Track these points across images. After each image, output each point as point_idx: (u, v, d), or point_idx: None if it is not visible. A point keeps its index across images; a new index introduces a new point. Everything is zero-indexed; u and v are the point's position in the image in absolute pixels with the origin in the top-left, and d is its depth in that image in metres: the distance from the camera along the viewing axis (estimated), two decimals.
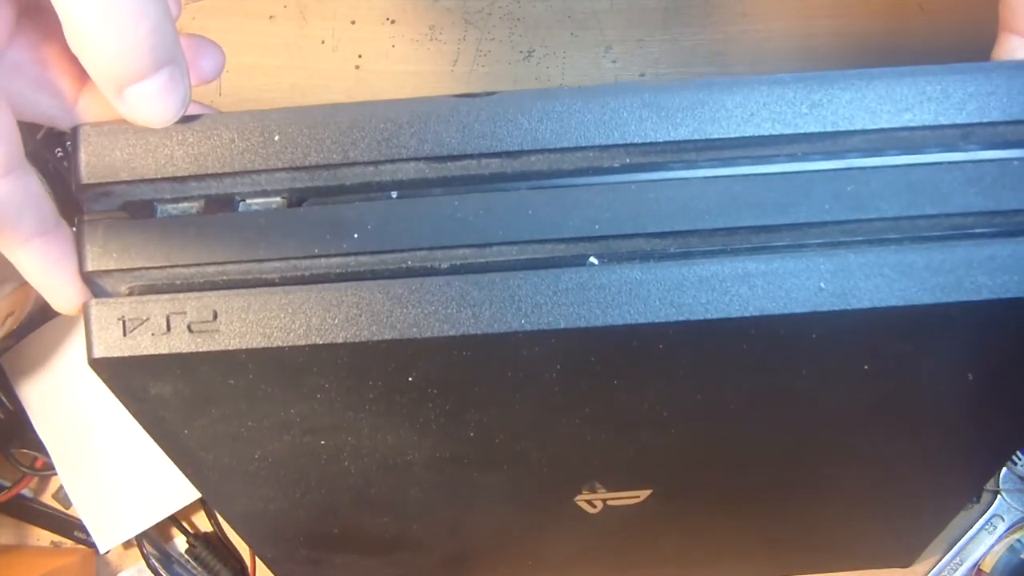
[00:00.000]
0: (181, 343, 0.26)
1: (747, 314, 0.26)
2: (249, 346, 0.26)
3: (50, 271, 0.26)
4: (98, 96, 0.27)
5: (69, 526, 0.51)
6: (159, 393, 0.28)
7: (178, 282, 0.26)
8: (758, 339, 0.27)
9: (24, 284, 0.43)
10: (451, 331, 0.26)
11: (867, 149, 0.26)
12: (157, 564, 0.50)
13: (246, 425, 0.30)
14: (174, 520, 0.50)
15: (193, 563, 0.50)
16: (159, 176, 0.26)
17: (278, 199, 0.27)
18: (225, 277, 0.26)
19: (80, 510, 0.49)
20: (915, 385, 0.31)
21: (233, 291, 0.26)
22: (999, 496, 0.49)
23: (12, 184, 0.25)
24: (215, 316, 0.26)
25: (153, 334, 0.26)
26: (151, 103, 0.24)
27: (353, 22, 0.51)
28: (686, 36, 0.50)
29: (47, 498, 0.52)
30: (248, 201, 0.27)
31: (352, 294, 0.26)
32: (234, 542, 0.51)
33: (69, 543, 0.51)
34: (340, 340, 0.26)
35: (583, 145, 0.26)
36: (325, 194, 0.26)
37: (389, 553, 0.41)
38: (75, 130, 0.26)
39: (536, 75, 0.50)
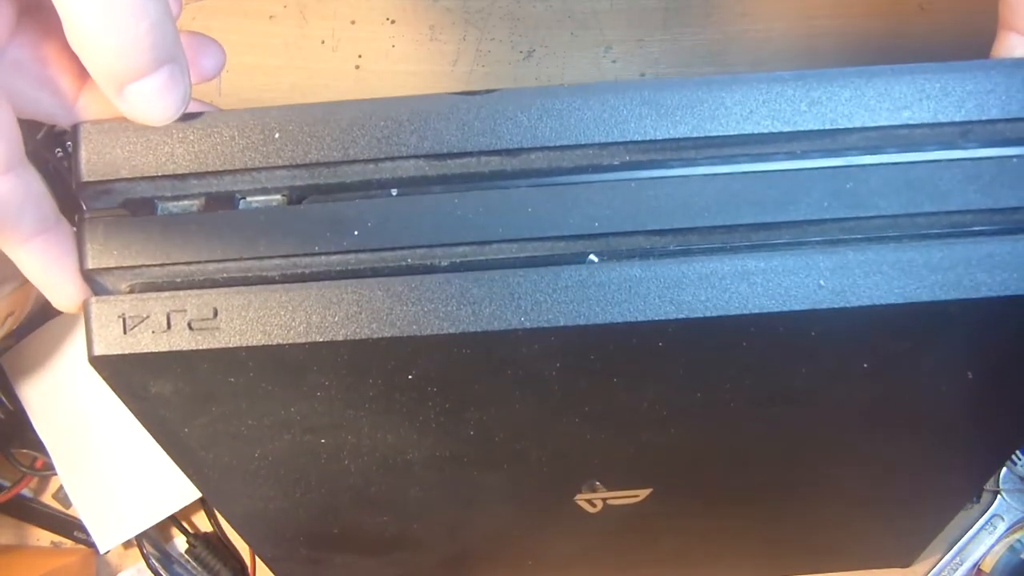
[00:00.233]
0: (181, 341, 0.26)
1: (747, 312, 0.26)
2: (249, 344, 0.26)
3: (51, 269, 0.26)
4: (98, 94, 0.27)
5: (69, 526, 0.51)
6: (159, 391, 0.28)
7: (178, 280, 0.27)
8: (758, 337, 0.27)
9: (24, 284, 0.43)
10: (451, 329, 0.26)
11: (866, 147, 0.26)
12: (157, 564, 0.50)
13: (246, 424, 0.30)
14: (174, 520, 0.50)
15: (193, 563, 0.50)
16: (160, 174, 0.26)
17: (278, 197, 0.27)
18: (225, 275, 0.26)
19: (80, 510, 0.49)
20: (914, 384, 0.31)
21: (233, 289, 0.26)
22: (999, 496, 0.49)
23: (12, 182, 0.25)
24: (215, 314, 0.26)
25: (153, 332, 0.26)
26: (151, 101, 0.24)
27: (353, 22, 0.51)
28: (686, 36, 0.50)
29: (47, 498, 0.52)
30: (248, 199, 0.27)
31: (352, 292, 0.26)
32: (234, 542, 0.51)
33: (69, 543, 0.51)
34: (340, 338, 0.26)
35: (583, 143, 0.26)
36: (325, 192, 0.26)
37: (389, 553, 0.41)
38: (75, 128, 0.26)
39: (536, 75, 0.50)
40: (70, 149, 0.27)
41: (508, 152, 0.26)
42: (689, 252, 0.26)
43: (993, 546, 0.49)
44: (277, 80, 0.50)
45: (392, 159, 0.26)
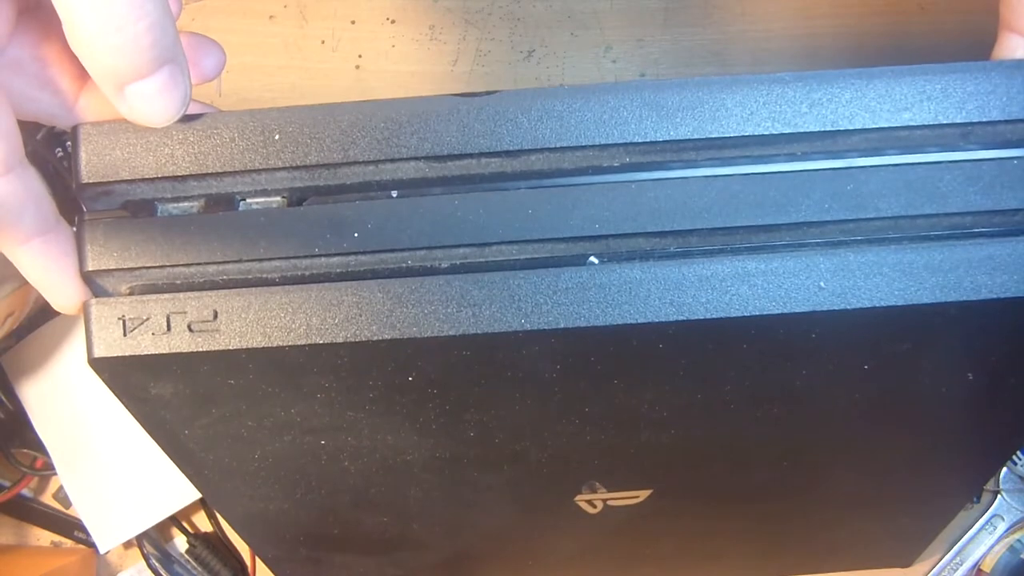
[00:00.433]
0: (181, 343, 0.26)
1: (747, 313, 0.26)
2: (249, 346, 0.26)
3: (50, 270, 0.26)
4: (98, 95, 0.27)
5: (69, 526, 0.51)
6: (159, 393, 0.28)
7: (178, 281, 0.26)
8: (758, 338, 0.27)
9: (24, 284, 0.43)
10: (451, 331, 0.26)
11: (867, 148, 0.26)
12: (157, 564, 0.50)
13: (246, 425, 0.30)
14: (174, 520, 0.50)
15: (193, 563, 0.50)
16: (159, 175, 0.26)
17: (278, 198, 0.27)
18: (225, 276, 0.26)
19: (80, 510, 0.49)
20: (915, 385, 0.31)
21: (233, 290, 0.26)
22: (999, 496, 0.49)
23: (12, 183, 0.25)
24: (215, 315, 0.26)
25: (153, 334, 0.26)
26: (151, 102, 0.24)
27: (353, 22, 0.51)
28: (686, 36, 0.50)
29: (47, 498, 0.52)
30: (248, 200, 0.27)
31: (352, 293, 0.26)
32: (234, 542, 0.51)
33: (69, 543, 0.51)
34: (340, 340, 0.26)
35: (583, 144, 0.26)
36: (325, 193, 0.26)
37: (389, 553, 0.41)
38: (75, 129, 0.26)
39: (536, 75, 0.50)
40: (70, 149, 0.26)
41: (508, 154, 0.26)
42: (689, 254, 0.26)
43: (993, 546, 0.49)
44: (277, 80, 0.50)
45: (392, 161, 0.26)
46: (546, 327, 0.26)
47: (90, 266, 0.26)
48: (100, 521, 0.48)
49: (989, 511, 0.49)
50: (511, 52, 0.50)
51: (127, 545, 0.51)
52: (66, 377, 0.48)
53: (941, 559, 0.49)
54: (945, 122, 0.26)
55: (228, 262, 0.26)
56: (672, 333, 0.26)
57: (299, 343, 0.26)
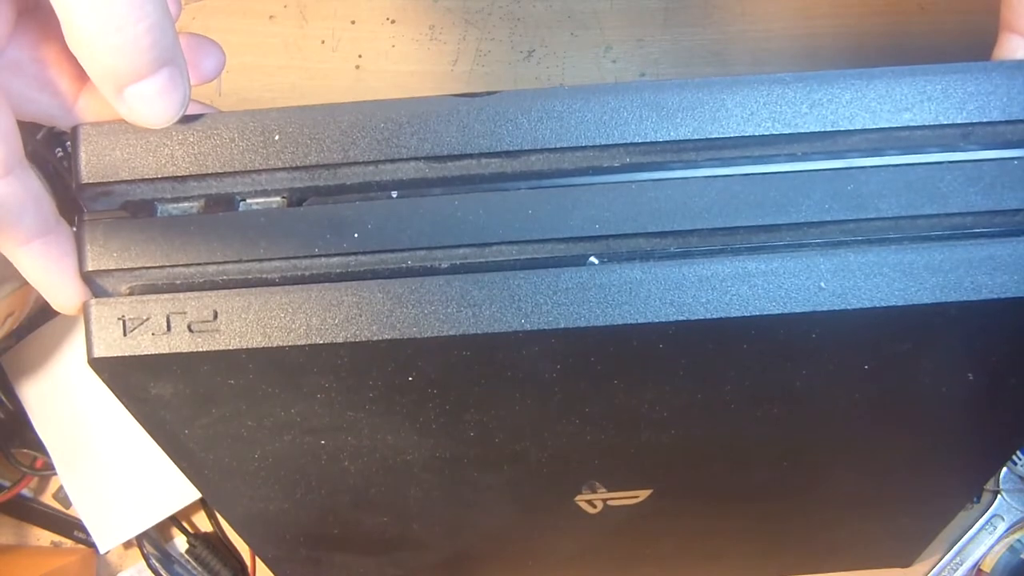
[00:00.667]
0: (181, 343, 0.26)
1: (747, 314, 0.26)
2: (249, 346, 0.26)
3: (50, 271, 0.26)
4: (98, 96, 0.27)
5: (69, 526, 0.51)
6: (159, 393, 0.28)
7: (178, 282, 0.26)
8: (758, 339, 0.27)
9: (24, 284, 0.43)
10: (451, 331, 0.26)
11: (867, 149, 0.26)
12: (157, 564, 0.50)
13: (246, 425, 0.30)
14: (174, 520, 0.50)
15: (193, 563, 0.50)
16: (159, 175, 0.26)
17: (278, 199, 0.27)
18: (225, 277, 0.26)
19: (80, 510, 0.49)
20: (915, 385, 0.31)
21: (233, 291, 0.26)
22: (999, 496, 0.49)
23: (12, 184, 0.25)
24: (215, 316, 0.26)
25: (153, 334, 0.26)
26: (150, 103, 0.24)
27: (353, 22, 0.51)
28: (686, 36, 0.50)
29: (47, 498, 0.52)
30: (248, 200, 0.27)
31: (352, 294, 0.26)
32: (234, 542, 0.51)
33: (69, 543, 0.51)
34: (340, 340, 0.26)
35: (583, 145, 0.26)
36: (325, 193, 0.26)
37: (389, 553, 0.41)
38: (75, 130, 0.26)
39: (536, 75, 0.50)
40: (70, 150, 0.26)
41: (508, 154, 0.26)
42: (689, 254, 0.26)
43: (993, 546, 0.49)
44: (277, 80, 0.50)
45: (392, 161, 0.26)
46: (546, 327, 0.26)
47: (90, 266, 0.26)
48: (100, 521, 0.48)
49: (989, 511, 0.49)
50: (511, 52, 0.50)
51: (127, 545, 0.51)
52: (66, 377, 0.48)
53: (941, 559, 0.49)
54: (945, 122, 0.26)
55: (228, 262, 0.26)
56: (672, 333, 0.26)
57: (299, 343, 0.26)
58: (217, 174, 0.26)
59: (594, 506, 0.37)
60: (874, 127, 0.26)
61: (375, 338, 0.26)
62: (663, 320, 0.26)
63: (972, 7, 0.49)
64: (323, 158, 0.26)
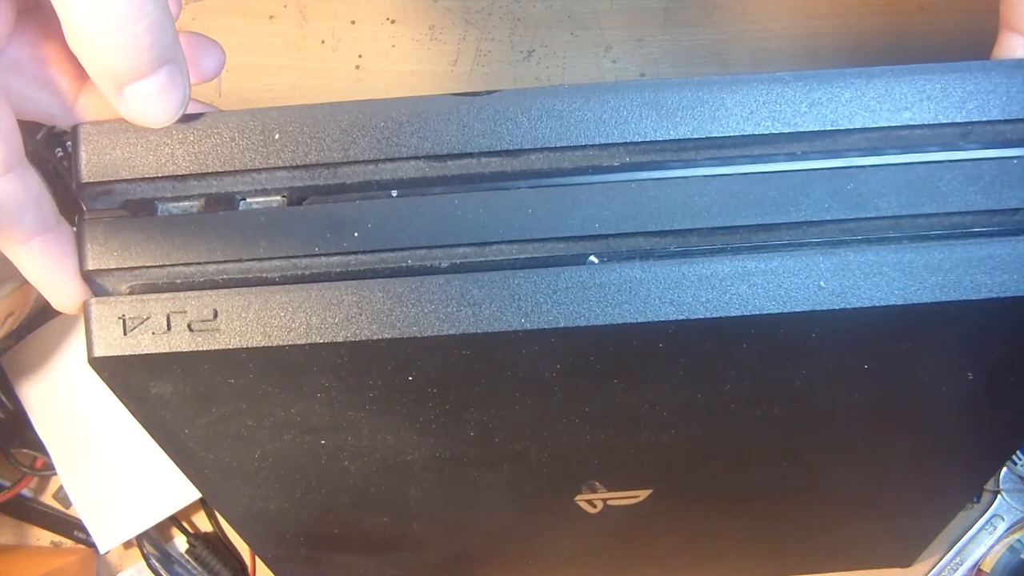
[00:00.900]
0: (181, 342, 0.26)
1: (747, 313, 0.26)
2: (249, 345, 0.26)
3: (50, 270, 0.26)
4: (98, 95, 0.27)
5: (69, 526, 0.51)
6: (159, 392, 0.28)
7: (178, 281, 0.26)
8: (758, 338, 0.27)
9: (24, 284, 0.43)
10: (451, 330, 0.26)
11: (867, 148, 0.26)
12: (157, 564, 0.50)
13: (246, 425, 0.30)
14: (174, 520, 0.50)
15: (193, 563, 0.50)
16: (160, 174, 0.26)
17: (278, 198, 0.27)
18: (225, 276, 0.26)
19: (80, 510, 0.49)
20: (915, 384, 0.31)
21: (233, 290, 0.26)
22: (999, 496, 0.49)
23: (12, 183, 0.25)
24: (215, 315, 0.26)
25: (153, 333, 0.26)
26: (150, 102, 0.24)
27: (353, 22, 0.51)
28: (686, 36, 0.50)
29: (47, 498, 0.52)
30: (248, 200, 0.27)
31: (352, 293, 0.26)
32: (234, 542, 0.51)
33: (69, 543, 0.51)
34: (340, 339, 0.26)
35: (583, 144, 0.26)
36: (325, 193, 0.26)
37: (389, 553, 0.41)
38: (75, 129, 0.26)
39: (536, 75, 0.50)
40: (70, 149, 0.26)
41: (508, 153, 0.26)
42: (689, 253, 0.26)
43: (993, 546, 0.49)
44: (277, 80, 0.50)
45: (392, 160, 0.26)
46: (546, 326, 0.26)
47: (90, 265, 0.26)
48: (100, 521, 0.48)
49: (989, 511, 0.49)
50: (511, 52, 0.50)
51: (127, 545, 0.51)
52: (66, 377, 0.48)
53: (941, 559, 0.49)
54: (945, 121, 0.26)
55: (228, 261, 0.26)
56: (672, 332, 0.26)
57: (299, 342, 0.26)
58: (217, 173, 0.26)
59: (594, 506, 0.37)
60: (873, 126, 0.26)
61: (375, 337, 0.26)
62: (663, 319, 0.26)
63: (972, 7, 0.49)
64: (323, 157, 0.26)
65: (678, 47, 0.50)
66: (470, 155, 0.26)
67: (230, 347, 0.26)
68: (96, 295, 0.27)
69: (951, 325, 0.27)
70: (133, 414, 0.29)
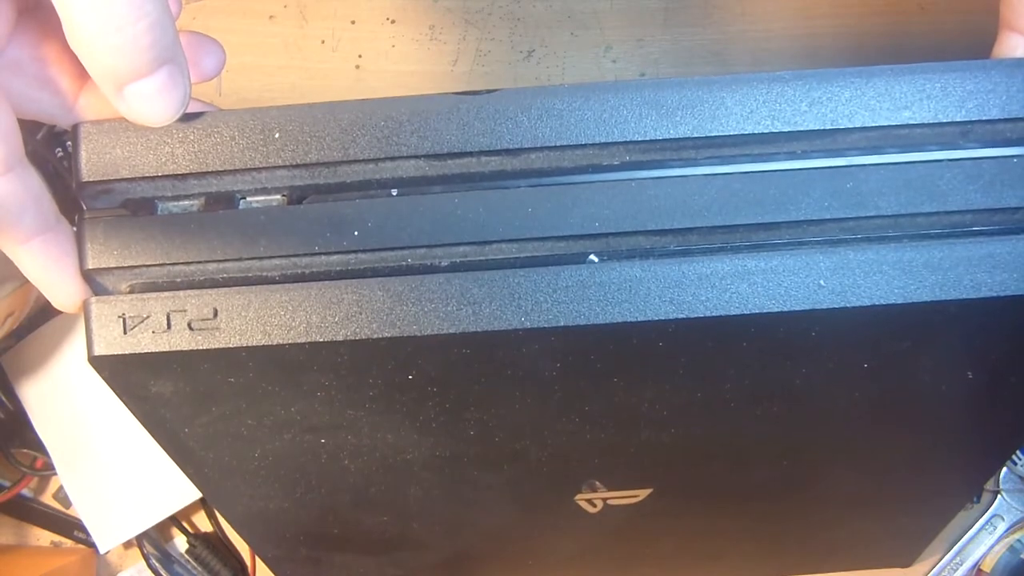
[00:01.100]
0: (181, 341, 0.26)
1: (747, 312, 0.26)
2: (249, 344, 0.26)
3: (51, 269, 0.26)
4: (99, 94, 0.27)
5: (69, 526, 0.51)
6: (159, 391, 0.28)
7: (179, 280, 0.27)
8: (758, 337, 0.27)
9: (24, 284, 0.43)
10: (451, 329, 0.26)
11: (866, 147, 0.26)
12: (157, 564, 0.50)
13: (246, 424, 0.30)
14: (174, 520, 0.50)
15: (193, 563, 0.50)
16: (160, 174, 0.26)
17: (278, 197, 0.27)
18: (225, 275, 0.26)
19: (80, 510, 0.49)
20: (915, 384, 0.31)
21: (233, 289, 0.26)
22: (999, 496, 0.49)
23: (12, 182, 0.25)
24: (215, 314, 0.26)
25: (153, 332, 0.26)
26: (150, 102, 0.24)
27: (353, 22, 0.51)
28: (686, 36, 0.50)
29: (47, 498, 0.52)
30: (249, 199, 0.27)
31: (352, 291, 0.26)
32: (234, 542, 0.51)
33: (69, 543, 0.51)
34: (340, 338, 0.26)
35: (583, 143, 0.26)
36: (325, 191, 0.26)
37: (389, 553, 0.41)
38: (75, 128, 0.26)
39: (536, 75, 0.50)
40: (70, 149, 0.26)
41: (508, 152, 0.26)
42: (689, 252, 0.26)
43: (993, 546, 0.49)
44: (277, 80, 0.50)
45: (392, 159, 0.26)
46: (546, 325, 0.26)
47: (90, 264, 0.26)
48: (100, 521, 0.48)
49: (989, 511, 0.49)
50: (511, 52, 0.50)
51: (127, 545, 0.51)
52: (66, 377, 0.48)
53: (941, 559, 0.49)
54: (945, 120, 0.26)
55: (228, 260, 0.26)
56: (672, 331, 0.26)
57: (299, 341, 0.26)
58: (217, 172, 0.26)
59: (594, 505, 0.37)
60: (873, 125, 0.26)
61: (375, 336, 0.26)
62: (663, 318, 0.26)
63: (972, 7, 0.49)
64: (323, 156, 0.26)
65: (678, 47, 0.50)
66: (470, 154, 0.26)
67: (230, 346, 0.26)
68: (96, 294, 0.27)
69: (951, 324, 0.27)
70: (133, 413, 0.29)
